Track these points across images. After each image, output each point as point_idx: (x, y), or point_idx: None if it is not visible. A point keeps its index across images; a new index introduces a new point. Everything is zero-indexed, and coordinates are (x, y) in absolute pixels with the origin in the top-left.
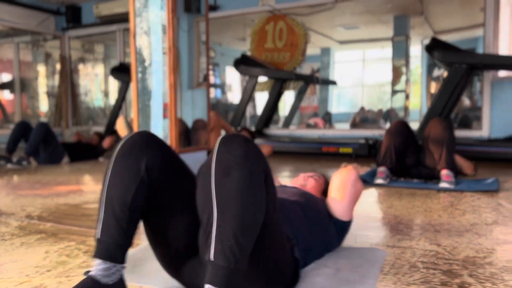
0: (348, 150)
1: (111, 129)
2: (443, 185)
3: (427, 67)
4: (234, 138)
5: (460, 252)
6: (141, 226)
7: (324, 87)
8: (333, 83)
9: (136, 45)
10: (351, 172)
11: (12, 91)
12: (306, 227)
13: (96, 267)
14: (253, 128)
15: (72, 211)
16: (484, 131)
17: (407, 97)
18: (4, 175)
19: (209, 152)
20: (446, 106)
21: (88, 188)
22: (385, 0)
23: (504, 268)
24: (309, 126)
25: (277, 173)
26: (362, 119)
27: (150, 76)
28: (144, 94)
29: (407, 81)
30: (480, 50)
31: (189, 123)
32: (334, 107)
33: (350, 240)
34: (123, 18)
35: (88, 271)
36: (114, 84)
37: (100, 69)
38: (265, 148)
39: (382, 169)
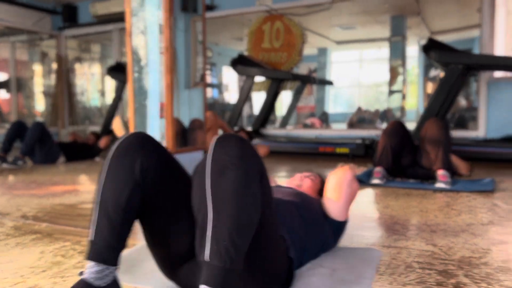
0: (345, 150)
1: (107, 129)
2: (439, 185)
3: (424, 67)
4: (229, 138)
5: (456, 252)
6: (136, 226)
7: (321, 87)
8: (330, 83)
9: (132, 45)
10: (347, 172)
11: (8, 90)
12: (301, 227)
13: (89, 269)
14: (250, 128)
15: (67, 211)
16: (480, 132)
17: (403, 97)
18: None
19: (206, 152)
20: (443, 106)
21: (84, 188)
22: (382, 0)
23: (499, 268)
24: (306, 126)
25: (274, 173)
26: (359, 119)
27: (147, 76)
28: (141, 94)
29: (404, 81)
30: (476, 50)
31: (186, 123)
32: (331, 107)
33: (346, 240)
34: (120, 17)
35: (83, 272)
36: (110, 84)
37: (96, 69)
38: (262, 148)
39: (378, 169)
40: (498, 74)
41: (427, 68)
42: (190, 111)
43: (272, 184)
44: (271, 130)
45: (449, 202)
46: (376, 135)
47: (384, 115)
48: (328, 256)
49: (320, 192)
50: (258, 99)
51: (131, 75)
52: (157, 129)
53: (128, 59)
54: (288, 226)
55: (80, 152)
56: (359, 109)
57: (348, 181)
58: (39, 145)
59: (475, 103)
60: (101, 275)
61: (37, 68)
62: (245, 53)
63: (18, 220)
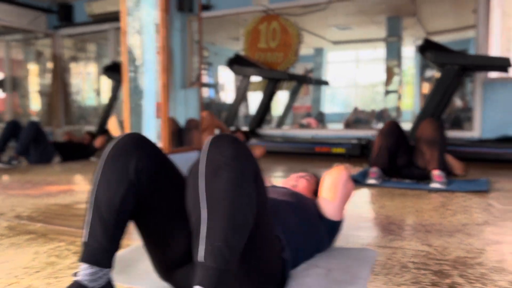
0: (341, 150)
1: (103, 129)
2: (434, 185)
3: (420, 68)
4: (224, 138)
5: (450, 253)
6: (131, 226)
7: (317, 87)
8: (325, 83)
9: (128, 44)
10: (342, 172)
11: (4, 89)
12: (297, 227)
13: (83, 271)
14: (246, 128)
15: (62, 211)
16: (475, 132)
17: (399, 97)
18: None
19: None
20: (438, 106)
21: (79, 188)
22: (378, 1)
23: (494, 268)
24: (302, 126)
25: (270, 173)
26: (355, 119)
27: (142, 75)
28: (136, 93)
29: (400, 81)
30: (472, 51)
31: (182, 123)
32: (328, 107)
33: (341, 240)
34: (116, 16)
35: (77, 273)
36: (106, 83)
37: (92, 68)
38: (258, 149)
39: (374, 169)
40: (494, 74)
41: (423, 68)
42: (186, 111)
43: (268, 184)
44: (268, 130)
45: (444, 202)
46: (372, 135)
47: (380, 115)
48: (323, 256)
49: (316, 192)
50: (255, 99)
51: (126, 74)
52: (153, 129)
53: (123, 59)
54: (283, 226)
55: (75, 152)
56: (356, 109)
57: (343, 181)
58: (34, 145)
59: (471, 104)
60: (95, 277)
61: (33, 67)
62: (242, 53)
63: (12, 220)
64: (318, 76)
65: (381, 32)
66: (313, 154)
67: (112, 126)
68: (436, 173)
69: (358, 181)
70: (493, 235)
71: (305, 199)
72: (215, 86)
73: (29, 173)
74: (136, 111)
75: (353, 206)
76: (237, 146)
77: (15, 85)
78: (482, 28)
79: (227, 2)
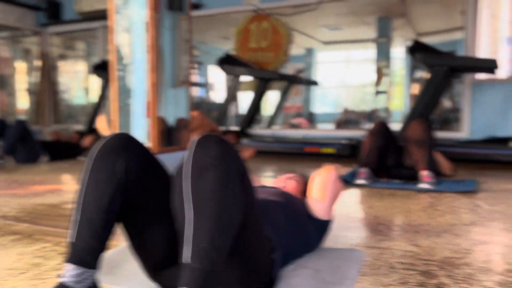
0: (331, 150)
1: (91, 128)
2: (423, 186)
3: (409, 68)
4: (209, 139)
5: (438, 253)
6: (118, 227)
7: (308, 88)
8: (315, 83)
9: (116, 43)
10: (331, 172)
11: None
12: (286, 227)
13: (68, 272)
14: (236, 128)
15: (49, 211)
16: (463, 133)
17: (389, 98)
18: None
19: None
20: (427, 107)
21: (67, 187)
22: (369, 1)
23: (480, 268)
24: (293, 126)
25: (260, 173)
26: (346, 120)
27: (131, 74)
28: (125, 92)
29: (390, 82)
30: (460, 52)
31: (172, 122)
32: (318, 108)
33: (330, 240)
34: (105, 14)
35: (61, 274)
36: (95, 82)
37: (81, 66)
38: (248, 150)
39: (363, 169)
40: (482, 76)
41: (412, 69)
42: (176, 110)
43: (256, 184)
44: (258, 130)
45: (432, 202)
46: (362, 136)
47: (370, 115)
48: (311, 257)
49: (304, 192)
50: (245, 98)
51: (114, 73)
52: (141, 128)
53: (111, 57)
54: (273, 226)
55: (63, 151)
56: (346, 109)
57: (332, 180)
58: (21, 144)
59: (459, 105)
60: (80, 278)
61: (20, 65)
62: (232, 52)
63: None
64: (309, 76)
65: (371, 32)
66: (303, 154)
67: (101, 125)
68: (424, 173)
69: (348, 181)
70: (480, 235)
71: (294, 199)
72: (205, 85)
73: (16, 173)
74: (125, 110)
75: (342, 206)
76: (223, 147)
77: (2, 83)
78: (470, 30)
79: (218, 1)
